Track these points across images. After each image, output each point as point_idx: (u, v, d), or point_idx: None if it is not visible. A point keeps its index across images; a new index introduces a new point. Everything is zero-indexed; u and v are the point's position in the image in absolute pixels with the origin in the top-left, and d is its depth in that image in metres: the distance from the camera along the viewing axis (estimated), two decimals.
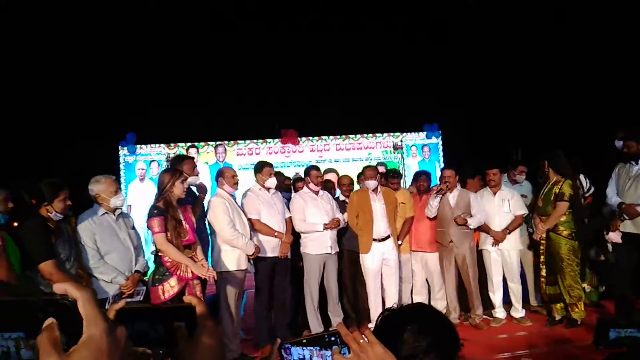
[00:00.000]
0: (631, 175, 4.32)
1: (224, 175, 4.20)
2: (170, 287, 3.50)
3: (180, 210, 3.64)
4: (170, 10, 8.19)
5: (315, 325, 4.66)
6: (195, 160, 7.87)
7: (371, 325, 4.83)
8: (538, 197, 4.79)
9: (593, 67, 7.97)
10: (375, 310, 4.81)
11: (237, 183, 4.25)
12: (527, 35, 8.46)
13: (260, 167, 4.50)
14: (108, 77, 8.07)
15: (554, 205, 4.63)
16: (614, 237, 4.42)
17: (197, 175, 4.16)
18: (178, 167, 3.94)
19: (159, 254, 3.54)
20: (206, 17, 8.62)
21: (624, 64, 7.66)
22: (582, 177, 5.18)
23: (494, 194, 5.04)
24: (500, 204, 4.97)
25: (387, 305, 4.86)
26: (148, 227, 3.54)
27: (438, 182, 5.19)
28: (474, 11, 8.66)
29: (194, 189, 4.16)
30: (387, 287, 4.85)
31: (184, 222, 3.61)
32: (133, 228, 3.67)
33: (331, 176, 6.69)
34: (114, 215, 3.51)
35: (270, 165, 4.56)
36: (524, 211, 4.98)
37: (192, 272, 3.53)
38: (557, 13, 8.15)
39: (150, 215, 3.50)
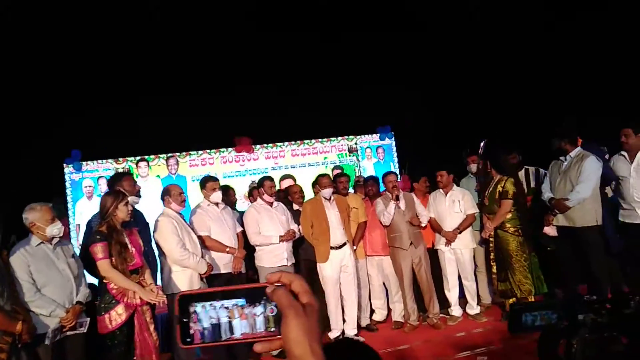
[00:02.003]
0: (561, 172, 4.52)
1: (171, 193, 4.07)
2: (117, 315, 3.36)
3: (125, 233, 3.51)
4: (110, 19, 7.90)
5: None
6: (146, 173, 7.72)
7: (332, 335, 4.82)
8: (484, 196, 4.92)
9: (546, 64, 8.27)
10: (335, 318, 4.80)
11: (184, 201, 4.13)
12: (478, 35, 8.68)
13: (204, 182, 4.42)
14: (46, 91, 7.68)
15: (499, 204, 4.77)
16: (550, 231, 4.63)
17: (138, 190, 4.00)
18: (118, 185, 3.79)
19: (104, 281, 3.39)
20: (151, 25, 8.36)
21: (576, 58, 7.97)
22: (531, 171, 5.26)
23: (445, 194, 5.14)
24: (451, 205, 5.07)
25: (347, 312, 4.87)
26: (91, 254, 3.38)
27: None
28: (425, 12, 8.82)
29: (137, 207, 4.01)
30: (345, 295, 4.85)
31: (129, 246, 3.47)
32: (73, 256, 3.49)
33: (288, 182, 6.64)
34: (51, 244, 3.33)
35: (215, 179, 4.48)
36: (474, 210, 5.10)
37: (140, 297, 3.40)
38: (510, 11, 8.40)
39: (93, 242, 3.36)
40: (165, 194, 4.09)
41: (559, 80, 8.13)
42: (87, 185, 7.80)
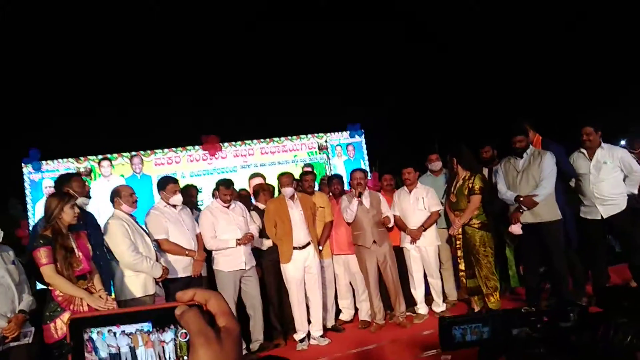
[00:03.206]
0: (519, 170, 4.52)
1: (121, 194, 3.89)
2: (63, 324, 3.18)
3: (73, 236, 3.33)
4: (73, 15, 7.62)
5: None
6: (109, 172, 7.46)
7: (297, 337, 4.73)
8: (450, 192, 4.89)
9: (511, 63, 8.35)
10: (300, 320, 4.70)
11: (135, 202, 3.95)
12: (443, 33, 8.72)
13: (164, 184, 4.24)
14: (3, 89, 7.36)
15: (468, 200, 4.74)
16: (516, 229, 4.58)
17: (88, 191, 3.82)
18: (66, 186, 3.61)
19: (49, 287, 3.22)
20: (114, 22, 8.11)
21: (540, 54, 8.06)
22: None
23: (410, 192, 5.09)
24: (415, 202, 5.03)
25: (312, 314, 4.78)
26: (34, 259, 3.20)
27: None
28: (398, 12, 8.81)
29: (87, 209, 3.83)
30: (310, 295, 4.75)
31: (76, 251, 3.30)
32: (13, 263, 3.30)
33: (258, 181, 6.50)
34: None
35: (175, 181, 4.31)
36: (439, 207, 5.06)
37: (87, 305, 3.23)
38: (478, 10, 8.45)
39: (36, 246, 3.17)
40: (115, 195, 3.91)
41: (531, 77, 8.23)
42: (47, 186, 7.50)
